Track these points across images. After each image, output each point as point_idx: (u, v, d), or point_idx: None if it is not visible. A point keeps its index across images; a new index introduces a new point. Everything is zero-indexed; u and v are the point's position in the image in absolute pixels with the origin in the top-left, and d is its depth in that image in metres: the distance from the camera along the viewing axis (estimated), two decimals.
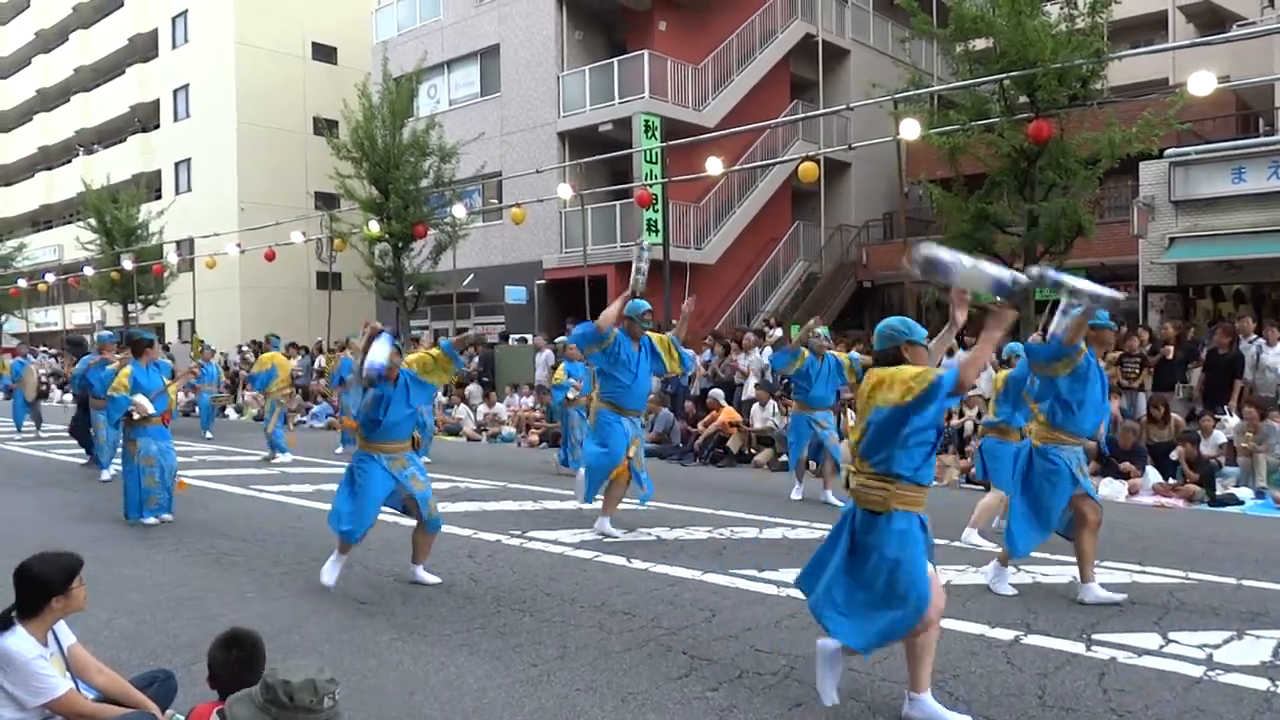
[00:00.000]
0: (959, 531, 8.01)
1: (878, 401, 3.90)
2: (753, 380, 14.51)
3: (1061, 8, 13.56)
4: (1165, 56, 24.52)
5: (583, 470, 8.00)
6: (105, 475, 11.45)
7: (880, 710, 4.11)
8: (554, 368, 12.98)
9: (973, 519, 7.69)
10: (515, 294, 22.96)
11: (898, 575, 3.84)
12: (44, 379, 16.88)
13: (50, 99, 43.56)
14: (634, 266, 7.83)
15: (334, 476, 11.61)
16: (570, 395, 11.90)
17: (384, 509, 6.21)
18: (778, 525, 8.38)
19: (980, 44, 14.57)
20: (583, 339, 7.66)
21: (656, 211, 20.20)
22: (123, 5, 38.22)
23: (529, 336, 20.77)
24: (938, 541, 7.46)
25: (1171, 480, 10.20)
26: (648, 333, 7.93)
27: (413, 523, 6.30)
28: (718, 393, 14.20)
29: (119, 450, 10.29)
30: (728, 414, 13.76)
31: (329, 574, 6.06)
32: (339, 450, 14.41)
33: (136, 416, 8.58)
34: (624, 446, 7.69)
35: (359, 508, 5.95)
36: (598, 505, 8.10)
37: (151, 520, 8.48)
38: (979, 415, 12.79)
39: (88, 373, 11.79)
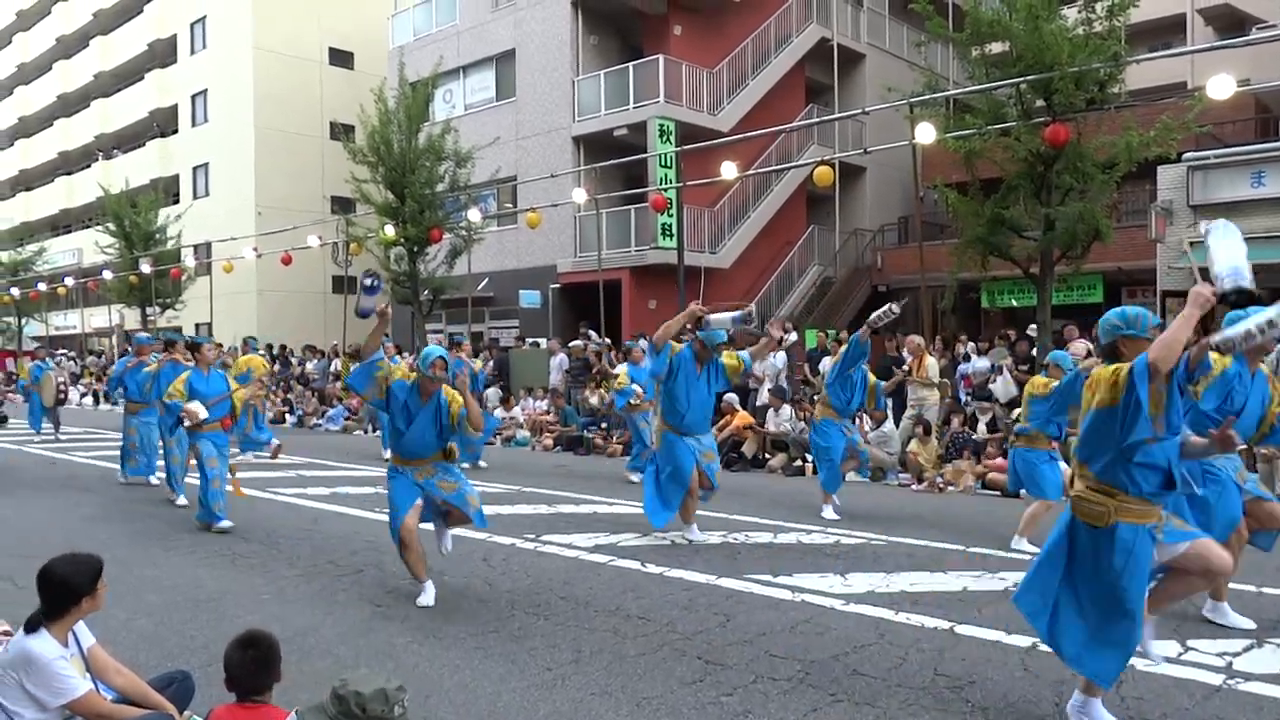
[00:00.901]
0: (970, 538, 7.98)
1: (1090, 404, 3.72)
2: (767, 385, 14.49)
3: (1079, 11, 13.49)
4: (1184, 60, 24.37)
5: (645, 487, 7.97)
6: (120, 479, 11.36)
7: (897, 717, 4.09)
8: (617, 374, 12.93)
9: (1020, 527, 7.53)
10: (529, 298, 23.02)
11: (1122, 590, 3.68)
12: (62, 384, 16.89)
13: (71, 104, 43.99)
14: (726, 318, 7.64)
15: (350, 479, 11.70)
16: (633, 401, 11.71)
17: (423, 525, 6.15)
18: (792, 530, 8.36)
19: (996, 47, 14.52)
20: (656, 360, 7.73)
21: (671, 216, 20.21)
22: (142, 11, 38.58)
23: (543, 340, 20.80)
24: (949, 547, 7.48)
25: None
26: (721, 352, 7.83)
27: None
28: (732, 397, 14.17)
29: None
30: (742, 418, 13.74)
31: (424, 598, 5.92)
32: (387, 455, 14.07)
33: (187, 424, 8.39)
34: (690, 466, 7.66)
35: (393, 514, 5.93)
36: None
37: (223, 524, 8.29)
38: (991, 420, 12.74)
39: (125, 375, 11.39)
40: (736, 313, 7.60)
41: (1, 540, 7.94)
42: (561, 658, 4.84)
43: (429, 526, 6.23)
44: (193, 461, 9.68)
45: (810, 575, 6.54)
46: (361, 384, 5.93)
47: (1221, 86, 10.83)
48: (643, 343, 17.15)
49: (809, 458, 12.73)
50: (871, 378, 9.81)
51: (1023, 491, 9.81)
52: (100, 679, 3.50)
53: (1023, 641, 5.01)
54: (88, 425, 19.65)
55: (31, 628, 3.35)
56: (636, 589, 6.19)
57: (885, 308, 8.80)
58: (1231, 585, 6.26)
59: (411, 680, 4.52)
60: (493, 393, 18.87)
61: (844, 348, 9.49)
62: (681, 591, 6.13)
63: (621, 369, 12.58)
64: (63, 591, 3.37)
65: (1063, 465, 7.89)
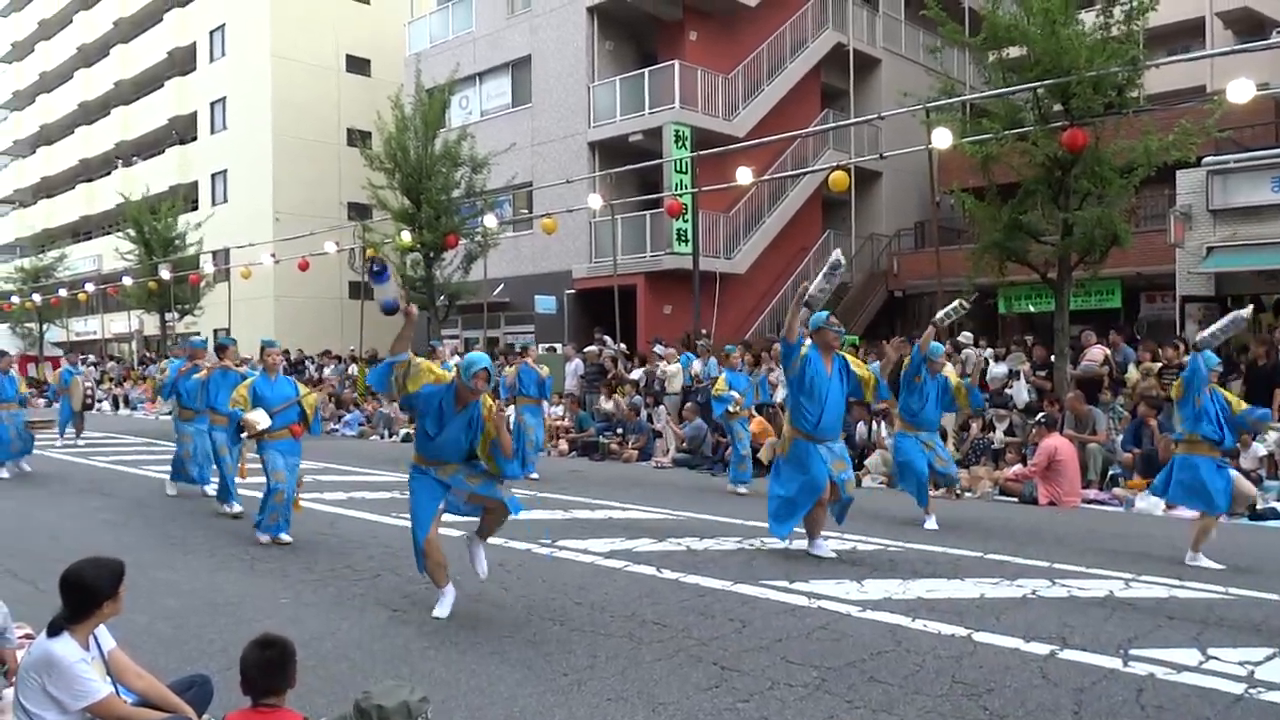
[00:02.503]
0: (988, 544, 7.93)
1: None
2: (782, 391, 14.43)
3: (1097, 15, 13.43)
4: (1203, 64, 24.21)
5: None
6: (169, 491, 10.79)
7: None
8: (715, 378, 12.55)
9: (1192, 541, 7.21)
10: (545, 303, 23.07)
11: None
12: (90, 389, 16.96)
13: (91, 112, 44.42)
14: (818, 281, 7.13)
15: (367, 484, 11.74)
16: (732, 409, 11.25)
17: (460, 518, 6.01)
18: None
19: (1013, 52, 14.47)
20: (784, 358, 7.30)
21: (686, 221, 20.22)
22: (162, 20, 38.96)
23: (559, 346, 20.85)
24: (966, 553, 7.43)
25: None
26: (844, 353, 7.38)
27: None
28: None
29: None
30: (757, 423, 13.69)
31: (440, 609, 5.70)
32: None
33: (244, 434, 7.76)
34: (824, 475, 7.19)
35: (416, 524, 5.66)
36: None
37: (265, 539, 7.91)
38: (1009, 426, 12.67)
39: (178, 381, 10.70)
40: (824, 270, 7.09)
41: (23, 544, 8.02)
42: (577, 663, 4.84)
43: (453, 532, 6.20)
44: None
45: (827, 581, 6.51)
46: (380, 383, 5.68)
47: (1241, 90, 10.75)
48: (659, 347, 17.19)
49: None
50: (955, 379, 9.38)
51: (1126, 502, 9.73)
52: (120, 682, 3.53)
53: (1041, 649, 4.98)
54: (108, 430, 19.82)
55: (54, 631, 3.38)
56: (652, 594, 6.18)
57: (954, 304, 8.59)
58: (1252, 593, 6.22)
59: (427, 685, 4.53)
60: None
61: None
62: (697, 597, 6.12)
63: (720, 375, 12.00)
64: (84, 595, 3.40)
65: (1232, 472, 7.60)
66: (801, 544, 7.96)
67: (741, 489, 11.28)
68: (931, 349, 9.07)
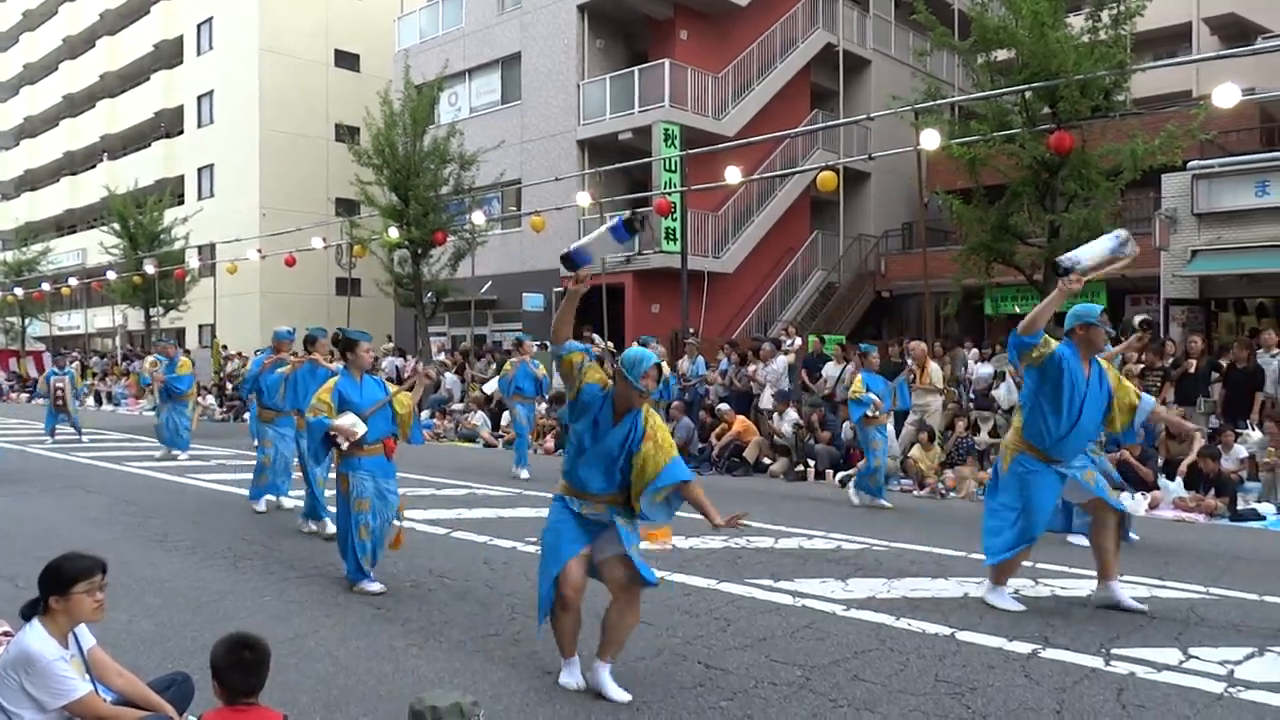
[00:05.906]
0: (972, 544, 7.95)
1: None
2: (769, 390, 14.47)
3: (1085, 19, 13.51)
4: (1189, 68, 24.41)
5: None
6: (287, 503, 9.52)
7: None
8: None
9: None
10: (533, 301, 23.04)
11: None
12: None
13: (77, 104, 44.13)
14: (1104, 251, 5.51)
15: None
16: (870, 413, 10.19)
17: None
18: (794, 535, 8.35)
19: (1002, 55, 14.53)
20: (1018, 349, 5.63)
21: (675, 220, 20.23)
22: (149, 13, 38.73)
23: (547, 344, 20.82)
24: (950, 553, 7.46)
25: (1192, 493, 10.08)
26: (1101, 360, 5.79)
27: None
28: (724, 407, 14.18)
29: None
30: (740, 423, 13.72)
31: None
32: (524, 476, 12.31)
33: (343, 444, 6.22)
34: (1047, 510, 5.74)
35: (548, 559, 4.50)
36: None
37: (373, 587, 6.25)
38: (993, 427, 12.73)
39: (260, 376, 9.51)
40: (1112, 242, 5.50)
41: (3, 540, 7.95)
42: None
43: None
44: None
45: (811, 580, 6.53)
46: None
47: (1226, 95, 10.82)
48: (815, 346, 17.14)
49: (810, 463, 12.74)
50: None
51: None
52: (100, 680, 3.50)
53: (1024, 648, 5.01)
54: (90, 426, 19.67)
55: (26, 616, 3.37)
56: None
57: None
58: (1232, 593, 6.26)
59: (410, 682, 4.52)
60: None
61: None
62: (682, 596, 6.12)
63: (857, 376, 10.81)
64: (40, 587, 3.37)
65: None
66: (786, 543, 7.98)
67: (856, 499, 10.39)
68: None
